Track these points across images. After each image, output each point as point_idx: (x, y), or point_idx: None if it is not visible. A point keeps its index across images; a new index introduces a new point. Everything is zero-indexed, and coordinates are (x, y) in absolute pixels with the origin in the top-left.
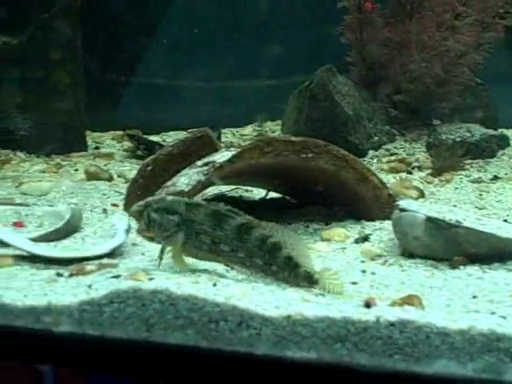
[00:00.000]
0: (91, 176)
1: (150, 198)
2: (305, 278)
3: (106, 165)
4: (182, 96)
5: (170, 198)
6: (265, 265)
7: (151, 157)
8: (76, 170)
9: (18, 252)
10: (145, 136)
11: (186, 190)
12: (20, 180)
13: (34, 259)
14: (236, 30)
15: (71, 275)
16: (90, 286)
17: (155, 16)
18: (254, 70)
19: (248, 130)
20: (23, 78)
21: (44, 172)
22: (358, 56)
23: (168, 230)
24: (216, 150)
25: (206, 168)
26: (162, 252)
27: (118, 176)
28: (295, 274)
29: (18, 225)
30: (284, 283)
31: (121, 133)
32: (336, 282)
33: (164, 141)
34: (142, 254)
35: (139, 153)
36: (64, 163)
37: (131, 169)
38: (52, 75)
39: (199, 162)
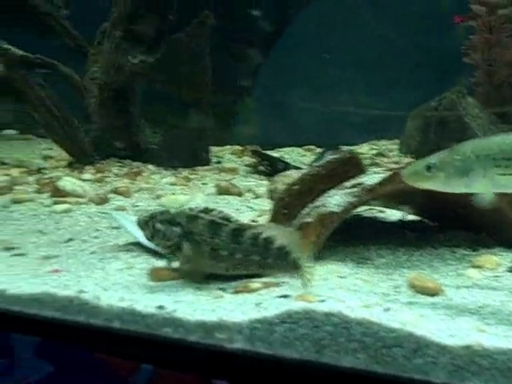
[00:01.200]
0: (222, 190)
1: (155, 211)
2: (293, 265)
3: (231, 179)
4: (296, 113)
5: (172, 210)
6: (261, 259)
7: (298, 176)
8: (204, 183)
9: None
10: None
11: (337, 210)
12: (155, 192)
13: None
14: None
15: (236, 292)
16: (258, 305)
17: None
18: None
19: (365, 148)
20: (155, 95)
21: (174, 185)
22: (484, 76)
23: (171, 239)
24: (363, 172)
25: (355, 190)
26: (168, 260)
27: (247, 191)
28: (288, 262)
29: None
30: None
31: (239, 148)
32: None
33: (282, 157)
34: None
35: (261, 168)
36: (192, 177)
37: (257, 184)
38: (183, 92)
39: (348, 184)
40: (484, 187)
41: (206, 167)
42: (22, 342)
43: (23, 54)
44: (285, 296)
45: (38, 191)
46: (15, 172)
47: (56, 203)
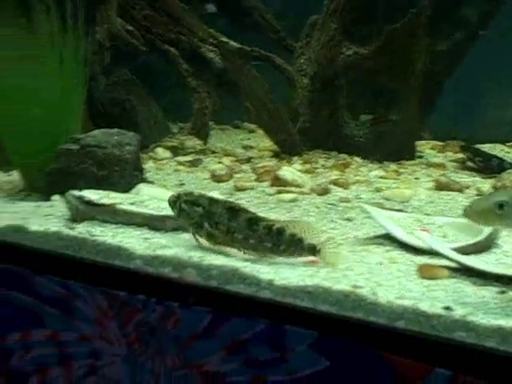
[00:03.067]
0: (442, 186)
1: (181, 192)
2: (308, 250)
3: (441, 175)
4: (498, 107)
5: (196, 192)
6: (273, 246)
7: None
8: (416, 178)
9: (445, 262)
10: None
11: None
12: (372, 185)
13: (465, 272)
14: None
15: None
16: None
17: None
18: None
19: None
20: (362, 87)
21: (385, 178)
22: None
23: (193, 218)
24: None
25: None
26: (194, 235)
27: (466, 188)
28: (300, 247)
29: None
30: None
31: (437, 143)
32: (334, 251)
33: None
34: None
35: (470, 164)
36: (401, 170)
37: (472, 181)
38: (394, 85)
39: None
40: None
41: (411, 161)
42: (296, 336)
43: (240, 46)
44: None
45: (257, 180)
46: (226, 161)
47: (279, 192)
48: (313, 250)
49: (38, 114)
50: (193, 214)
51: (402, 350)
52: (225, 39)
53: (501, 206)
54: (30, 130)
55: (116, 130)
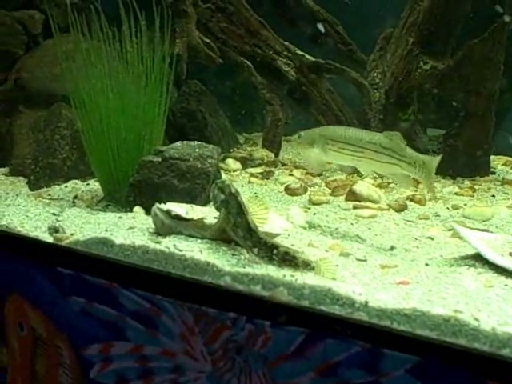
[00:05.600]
0: None
1: (217, 180)
2: (304, 265)
3: None
4: None
5: (226, 181)
6: (265, 256)
7: None
8: (492, 195)
9: None
10: None
11: None
12: (449, 202)
13: None
14: None
15: None
16: None
17: None
18: None
19: None
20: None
21: (461, 195)
22: None
23: (216, 203)
24: None
25: None
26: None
27: None
28: (295, 264)
29: None
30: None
31: (510, 159)
32: (331, 268)
33: None
34: None
35: None
36: (476, 187)
37: None
38: (469, 101)
39: None
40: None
41: (485, 178)
42: (393, 359)
43: (315, 60)
44: None
45: (332, 194)
46: (297, 173)
47: (355, 207)
48: (308, 265)
49: (123, 125)
50: (218, 198)
51: (508, 379)
52: (300, 52)
53: (299, 136)
54: (114, 141)
55: (196, 142)
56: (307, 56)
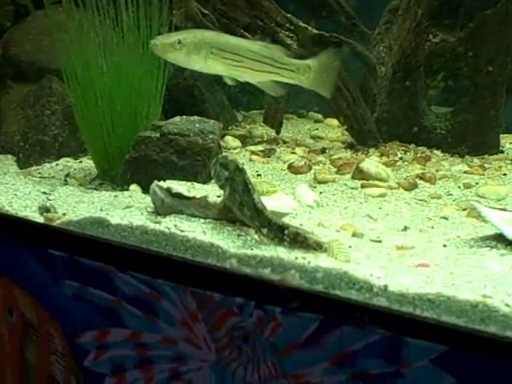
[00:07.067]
0: None
1: (219, 156)
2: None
3: None
4: None
5: (230, 157)
6: (275, 237)
7: None
8: (504, 174)
9: None
10: None
11: None
12: (460, 181)
13: None
14: None
15: None
16: None
17: None
18: None
19: None
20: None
21: (471, 174)
22: None
23: (220, 180)
24: None
25: None
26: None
27: None
28: (307, 245)
29: None
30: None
31: None
32: (344, 249)
33: None
34: None
35: None
36: (486, 165)
37: None
38: (479, 74)
39: None
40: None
41: (494, 156)
42: (416, 349)
43: (319, 32)
44: None
45: (338, 172)
46: (299, 151)
47: (363, 186)
48: (321, 246)
49: (118, 98)
50: (221, 176)
51: None
52: (303, 25)
53: (179, 42)
54: (109, 116)
55: (196, 117)
56: (310, 28)
